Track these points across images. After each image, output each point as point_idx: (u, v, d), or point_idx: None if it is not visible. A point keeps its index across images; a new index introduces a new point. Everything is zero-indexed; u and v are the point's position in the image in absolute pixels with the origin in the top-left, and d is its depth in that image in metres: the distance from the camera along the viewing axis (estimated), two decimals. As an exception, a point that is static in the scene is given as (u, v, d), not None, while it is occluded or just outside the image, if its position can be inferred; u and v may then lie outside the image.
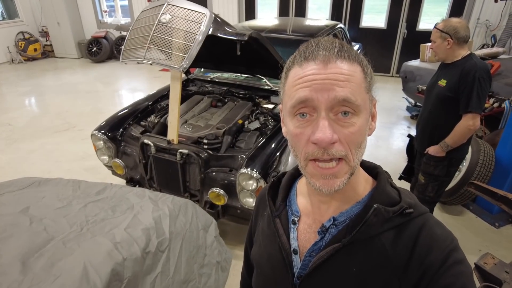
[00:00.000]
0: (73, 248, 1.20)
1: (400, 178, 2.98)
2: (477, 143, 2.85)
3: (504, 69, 3.47)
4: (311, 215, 0.69)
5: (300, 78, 0.57)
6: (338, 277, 0.63)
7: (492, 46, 5.85)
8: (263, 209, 0.79)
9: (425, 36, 5.96)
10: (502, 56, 4.16)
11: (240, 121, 2.71)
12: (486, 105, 3.34)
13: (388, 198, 0.63)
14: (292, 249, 0.69)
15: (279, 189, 0.77)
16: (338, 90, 0.54)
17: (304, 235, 0.69)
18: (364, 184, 0.67)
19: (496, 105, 3.28)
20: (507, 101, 3.16)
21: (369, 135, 0.62)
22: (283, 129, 0.67)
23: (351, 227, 0.62)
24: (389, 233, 0.61)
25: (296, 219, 0.70)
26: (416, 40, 6.32)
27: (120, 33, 8.37)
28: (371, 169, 0.70)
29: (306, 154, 0.57)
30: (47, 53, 8.99)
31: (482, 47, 6.04)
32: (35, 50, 8.58)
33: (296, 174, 0.78)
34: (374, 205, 0.60)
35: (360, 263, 0.61)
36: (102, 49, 8.33)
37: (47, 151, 4.11)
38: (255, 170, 2.16)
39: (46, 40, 8.95)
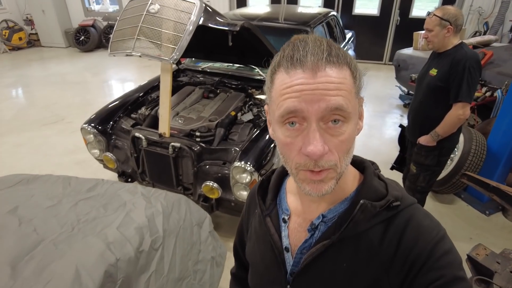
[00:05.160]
0: (64, 250, 1.17)
1: (392, 168, 2.99)
2: (469, 132, 2.87)
3: (496, 58, 3.47)
4: (301, 213, 0.70)
5: (288, 88, 0.54)
6: (329, 273, 0.64)
7: (484, 33, 5.86)
8: (254, 208, 0.81)
9: (418, 23, 5.94)
10: (494, 44, 4.16)
11: (233, 113, 2.67)
12: (478, 94, 3.35)
13: (374, 193, 0.64)
14: (284, 247, 0.70)
15: (269, 188, 0.78)
16: (330, 100, 0.52)
17: (295, 233, 0.70)
18: (352, 180, 0.67)
19: (488, 94, 3.29)
20: (499, 90, 3.17)
21: (356, 135, 0.61)
22: (270, 131, 0.66)
23: (339, 224, 0.63)
24: (377, 228, 0.62)
25: (286, 217, 0.72)
26: (409, 27, 6.29)
27: (108, 22, 8.14)
28: (358, 163, 0.71)
29: (297, 164, 0.57)
30: (33, 42, 8.73)
31: (474, 34, 6.04)
32: (20, 39, 8.33)
33: (284, 172, 0.79)
34: (361, 201, 0.61)
35: (350, 259, 0.62)
36: (90, 38, 8.12)
37: (35, 144, 4.03)
38: (248, 163, 2.14)
39: (31, 29, 8.67)
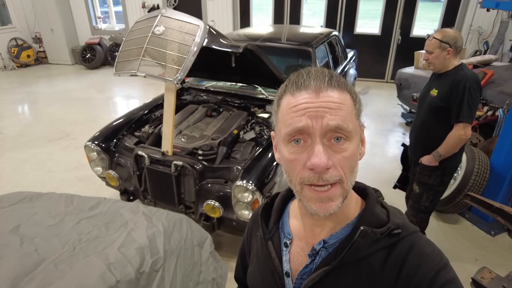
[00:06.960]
0: (65, 271, 1.17)
1: (395, 187, 2.97)
2: (471, 151, 2.86)
3: (497, 77, 3.50)
4: (303, 238, 0.70)
5: (294, 107, 0.58)
6: None
7: (485, 53, 5.92)
8: (256, 230, 0.80)
9: (419, 42, 6.01)
10: (495, 64, 4.20)
11: (235, 131, 2.69)
12: (480, 113, 3.36)
13: (376, 220, 0.64)
14: (284, 271, 0.70)
15: (272, 211, 0.78)
16: (331, 118, 0.56)
17: (296, 258, 0.70)
18: (354, 206, 0.68)
19: (490, 113, 3.31)
20: (500, 109, 3.19)
21: (359, 159, 0.63)
22: (276, 155, 0.68)
23: (340, 249, 0.63)
24: (378, 255, 0.62)
25: (288, 242, 0.72)
26: (410, 46, 6.38)
27: (114, 42, 8.31)
28: (361, 190, 0.72)
29: (302, 179, 0.59)
30: (40, 59, 8.91)
31: (475, 54, 6.10)
32: (28, 56, 8.50)
33: (288, 195, 0.79)
34: (361, 227, 0.61)
35: (350, 285, 0.62)
36: (96, 56, 8.27)
37: (40, 160, 4.06)
38: (250, 182, 2.14)
39: (40, 47, 8.86)
